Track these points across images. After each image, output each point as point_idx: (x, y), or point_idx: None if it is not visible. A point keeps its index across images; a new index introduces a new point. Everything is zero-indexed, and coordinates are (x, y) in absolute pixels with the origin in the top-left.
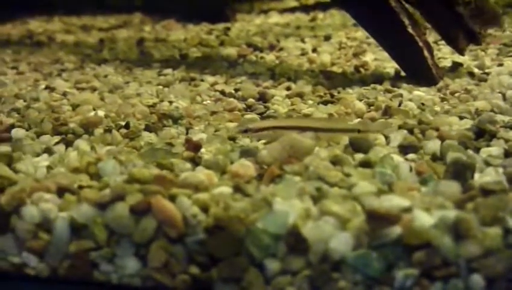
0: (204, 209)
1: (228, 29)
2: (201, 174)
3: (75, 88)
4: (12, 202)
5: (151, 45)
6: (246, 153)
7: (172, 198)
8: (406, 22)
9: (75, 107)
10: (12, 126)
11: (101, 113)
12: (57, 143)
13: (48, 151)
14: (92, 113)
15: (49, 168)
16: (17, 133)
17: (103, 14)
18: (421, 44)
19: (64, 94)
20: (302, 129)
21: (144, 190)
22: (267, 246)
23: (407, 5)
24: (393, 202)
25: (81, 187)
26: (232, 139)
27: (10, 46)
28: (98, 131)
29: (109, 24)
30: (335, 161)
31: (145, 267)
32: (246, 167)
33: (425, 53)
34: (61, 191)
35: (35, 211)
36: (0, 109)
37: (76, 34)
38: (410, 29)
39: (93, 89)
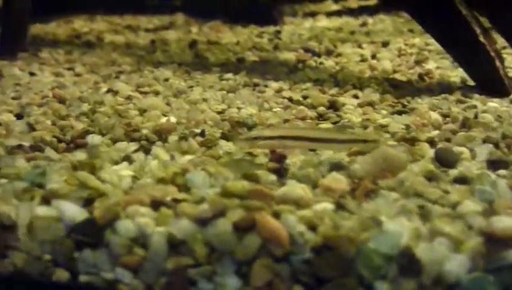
0: (311, 227)
1: (279, 32)
2: (299, 189)
3: (137, 92)
4: (107, 215)
5: (204, 48)
6: (336, 166)
7: (276, 215)
8: (477, 30)
9: (142, 112)
10: (87, 132)
11: (172, 119)
12: (135, 151)
13: (127, 159)
14: (164, 120)
15: (134, 178)
16: (93, 139)
17: (143, 14)
18: (492, 54)
19: (129, 98)
20: (311, 140)
21: (245, 206)
22: (378, 267)
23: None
24: (506, 223)
25: (176, 201)
26: (312, 150)
27: (60, 46)
28: (172, 138)
29: (154, 25)
30: (430, 177)
31: (247, 286)
32: (338, 181)
33: (497, 63)
34: (155, 205)
35: (131, 225)
36: (68, 112)
37: (125, 35)
38: (481, 38)
39: (156, 93)
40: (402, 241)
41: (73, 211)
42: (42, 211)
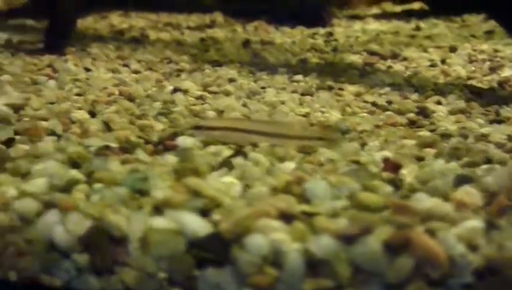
0: (470, 247)
1: (331, 34)
2: (445, 204)
3: (206, 91)
4: (235, 229)
5: (258, 47)
6: (463, 178)
7: (430, 232)
8: None
9: (219, 112)
10: (175, 133)
11: None
12: (232, 156)
13: (227, 164)
14: None
15: (246, 186)
16: (185, 141)
17: (178, 12)
18: None
19: (201, 98)
20: (259, 134)
21: (393, 222)
22: None
23: None
24: None
25: (307, 214)
26: (421, 159)
27: (105, 41)
28: (264, 143)
29: (195, 23)
30: None
31: None
32: (472, 195)
33: None
34: (285, 218)
35: (263, 241)
36: (142, 111)
37: (170, 32)
38: None
39: (227, 94)
40: None
41: (196, 224)
42: (159, 222)
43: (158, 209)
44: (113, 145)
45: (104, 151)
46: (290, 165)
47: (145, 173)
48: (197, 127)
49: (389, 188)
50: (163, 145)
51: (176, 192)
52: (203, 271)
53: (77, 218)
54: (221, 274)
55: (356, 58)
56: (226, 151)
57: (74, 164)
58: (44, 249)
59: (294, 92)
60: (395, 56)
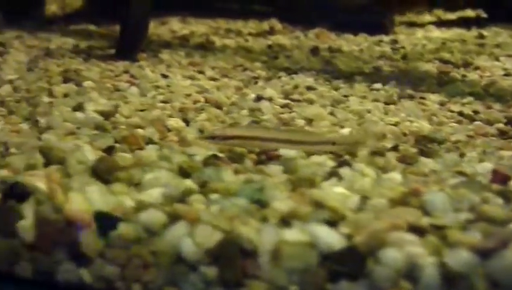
0: None
1: (395, 41)
2: None
3: (289, 99)
4: (371, 242)
5: (327, 55)
6: None
7: None
8: None
9: (308, 121)
10: None
11: (345, 131)
12: (338, 166)
13: (334, 174)
14: (345, 131)
15: (364, 198)
16: (288, 151)
17: (233, 18)
18: None
19: (288, 106)
20: (273, 141)
21: None
22: None
23: None
24: None
25: (436, 227)
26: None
27: (172, 47)
28: (361, 152)
29: (254, 29)
30: None
31: None
32: None
33: None
34: (416, 231)
35: (399, 254)
36: (233, 119)
37: (234, 39)
38: None
39: (310, 102)
40: None
41: (329, 237)
42: (291, 235)
43: (285, 221)
44: (220, 154)
45: (212, 161)
46: (395, 176)
47: (262, 184)
48: (212, 137)
49: (499, 200)
50: (266, 155)
51: (297, 203)
52: (336, 285)
53: (206, 230)
54: (355, 288)
55: (430, 67)
56: (329, 162)
57: (184, 173)
58: (171, 261)
59: (376, 100)
60: (467, 65)
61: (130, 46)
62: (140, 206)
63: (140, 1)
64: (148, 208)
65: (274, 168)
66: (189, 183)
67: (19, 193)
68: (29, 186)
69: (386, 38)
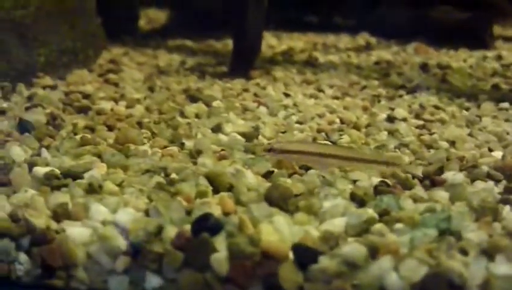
0: None
1: (500, 57)
2: None
3: (421, 119)
4: None
5: (438, 72)
6: None
7: None
8: None
9: (450, 143)
10: (441, 167)
11: (496, 154)
12: (505, 192)
13: (506, 201)
14: (498, 155)
15: None
16: (454, 176)
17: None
18: None
19: (424, 127)
20: (329, 157)
21: None
22: None
23: None
24: None
25: None
26: None
27: (277, 63)
28: None
29: (350, 44)
30: None
31: None
32: None
33: None
34: None
35: None
36: (379, 142)
37: (336, 55)
38: None
39: (443, 122)
40: None
41: None
42: (501, 269)
43: (487, 253)
44: (387, 181)
45: (383, 188)
46: None
47: (448, 213)
48: (271, 150)
49: None
50: (430, 180)
51: (488, 233)
52: None
53: (412, 264)
54: None
55: None
56: (495, 188)
57: (359, 201)
58: None
59: (508, 120)
60: None
61: (245, 63)
62: (329, 237)
63: (256, 16)
64: (346, 240)
65: (441, 194)
66: (370, 212)
67: (210, 225)
68: (220, 218)
69: (489, 53)
